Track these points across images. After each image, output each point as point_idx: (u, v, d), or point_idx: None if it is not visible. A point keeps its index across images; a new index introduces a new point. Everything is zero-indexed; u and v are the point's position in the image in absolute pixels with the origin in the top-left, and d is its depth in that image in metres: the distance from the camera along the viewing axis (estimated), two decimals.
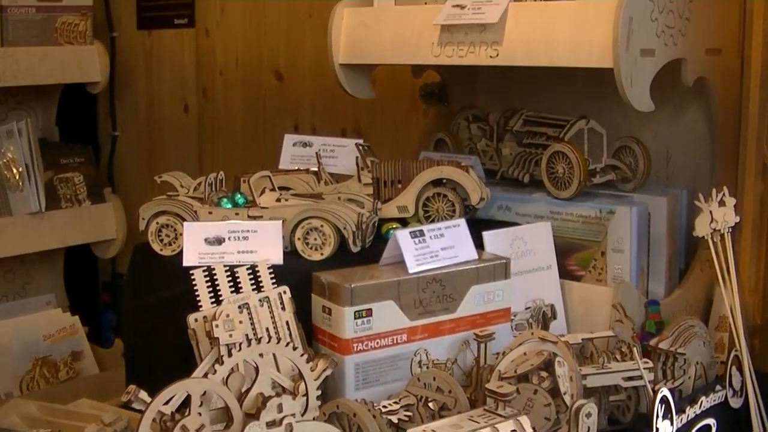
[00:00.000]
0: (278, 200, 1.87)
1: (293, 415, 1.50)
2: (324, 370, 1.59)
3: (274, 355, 1.58)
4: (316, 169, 2.14)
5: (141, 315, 1.91)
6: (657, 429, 1.58)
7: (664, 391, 1.60)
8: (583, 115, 2.14)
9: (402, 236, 1.74)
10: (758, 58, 2.03)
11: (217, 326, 1.54)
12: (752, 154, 2.03)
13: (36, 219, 2.94)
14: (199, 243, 1.76)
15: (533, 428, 1.49)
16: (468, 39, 2.00)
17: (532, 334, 1.71)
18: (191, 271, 1.64)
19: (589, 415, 1.54)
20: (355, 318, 1.65)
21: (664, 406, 1.59)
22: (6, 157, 2.89)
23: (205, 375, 1.52)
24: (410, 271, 1.71)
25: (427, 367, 1.73)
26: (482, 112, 2.40)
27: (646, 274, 2.07)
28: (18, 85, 2.97)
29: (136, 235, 1.92)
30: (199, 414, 1.49)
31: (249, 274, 1.67)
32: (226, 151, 3.17)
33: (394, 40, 2.12)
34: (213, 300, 1.64)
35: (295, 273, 1.74)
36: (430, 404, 1.62)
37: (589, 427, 1.53)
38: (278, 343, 1.58)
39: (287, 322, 1.67)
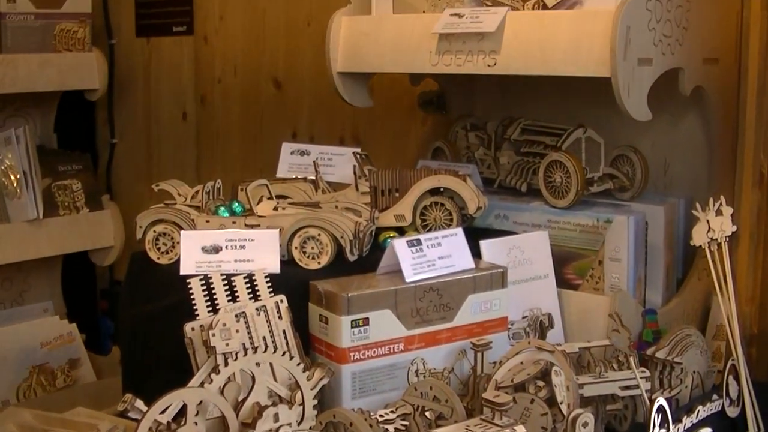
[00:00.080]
0: (275, 209, 1.87)
1: (289, 424, 1.51)
2: (320, 379, 1.59)
3: (270, 364, 1.58)
4: (314, 177, 2.14)
5: (138, 323, 1.91)
6: None
7: (661, 401, 1.60)
8: (580, 124, 2.14)
9: (399, 245, 1.74)
10: (755, 68, 2.04)
11: (213, 335, 1.54)
12: (749, 164, 2.03)
13: (34, 226, 2.93)
14: (196, 252, 1.76)
15: None
16: (466, 48, 2.00)
17: (529, 343, 1.71)
18: (188, 280, 1.64)
19: (585, 424, 1.54)
20: (351, 327, 1.65)
21: (660, 415, 1.59)
22: (4, 164, 2.89)
23: (202, 384, 1.53)
24: (407, 280, 1.71)
25: (424, 377, 1.72)
26: (480, 120, 2.40)
27: (643, 283, 2.07)
28: (16, 92, 2.97)
29: (133, 242, 1.92)
30: (195, 423, 1.50)
31: (246, 282, 1.67)
32: (224, 159, 3.17)
33: (392, 49, 2.12)
34: (210, 309, 1.64)
35: (292, 282, 1.74)
36: (427, 414, 1.62)
37: None
38: (275, 352, 1.59)
39: (284, 331, 1.67)
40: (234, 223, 1.85)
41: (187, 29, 3.22)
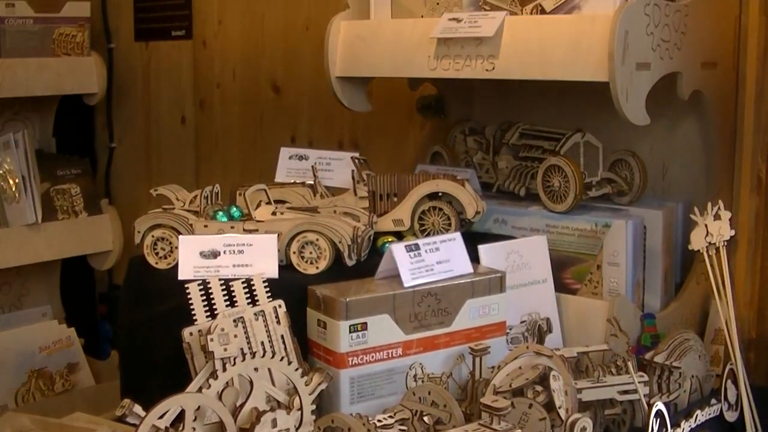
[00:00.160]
0: (274, 213, 1.88)
1: (288, 429, 1.51)
2: (319, 384, 1.59)
3: (269, 369, 1.58)
4: (312, 182, 2.14)
5: (136, 328, 1.90)
6: None
7: (659, 405, 1.60)
8: (579, 128, 2.14)
9: (397, 250, 1.74)
10: (753, 72, 2.04)
11: (211, 340, 1.54)
12: (747, 168, 2.04)
13: (32, 230, 2.94)
14: (194, 256, 1.76)
15: None
16: (464, 52, 2.00)
17: (528, 347, 1.71)
18: (186, 285, 1.64)
19: (584, 429, 1.54)
20: (350, 332, 1.65)
21: (659, 419, 1.59)
22: (2, 168, 2.89)
23: (200, 389, 1.53)
24: (405, 285, 1.71)
25: (423, 381, 1.72)
26: (478, 125, 2.40)
27: (641, 287, 2.07)
28: (15, 96, 2.97)
29: (132, 246, 1.92)
30: (193, 429, 1.50)
31: (244, 287, 1.67)
32: (223, 163, 3.17)
33: (391, 53, 2.12)
34: (208, 314, 1.64)
35: (290, 287, 1.74)
36: (425, 418, 1.62)
37: None
38: (273, 357, 1.59)
39: (282, 336, 1.67)
40: (232, 227, 1.85)
41: (185, 33, 3.22)
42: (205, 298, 1.65)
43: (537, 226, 2.10)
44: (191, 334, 1.62)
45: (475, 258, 1.88)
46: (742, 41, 2.06)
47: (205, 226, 1.86)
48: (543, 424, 1.60)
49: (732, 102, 2.07)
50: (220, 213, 1.88)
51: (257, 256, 1.76)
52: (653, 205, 2.12)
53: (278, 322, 1.67)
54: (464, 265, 1.80)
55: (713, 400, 1.81)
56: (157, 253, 1.88)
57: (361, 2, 2.24)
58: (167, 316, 1.77)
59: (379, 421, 1.58)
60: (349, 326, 1.65)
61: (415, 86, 2.46)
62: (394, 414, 1.62)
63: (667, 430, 1.61)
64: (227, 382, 1.54)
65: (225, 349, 1.55)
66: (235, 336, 1.56)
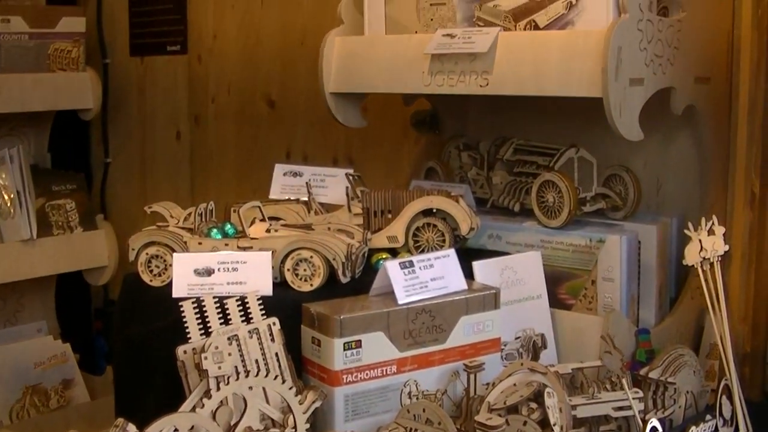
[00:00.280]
0: (268, 231, 1.87)
1: None
2: (313, 402, 1.59)
3: (263, 387, 1.58)
4: (307, 198, 2.14)
5: (131, 345, 1.90)
6: None
7: (654, 422, 1.60)
8: (573, 143, 2.15)
9: (391, 267, 1.74)
10: (746, 87, 2.04)
11: (206, 358, 1.54)
12: (741, 183, 2.04)
13: (27, 246, 2.94)
14: (188, 274, 1.76)
15: None
16: (458, 68, 2.00)
17: (522, 364, 1.71)
18: (180, 303, 1.64)
19: None
20: (344, 349, 1.65)
21: None
22: None
23: (194, 408, 1.52)
24: (399, 302, 1.71)
25: (417, 398, 1.72)
26: (473, 140, 2.40)
27: (636, 302, 2.07)
28: (10, 112, 2.97)
29: (128, 262, 1.92)
30: None
31: (238, 305, 1.67)
32: (218, 178, 3.17)
33: (385, 69, 2.13)
34: (202, 331, 1.64)
35: (284, 304, 1.74)
36: None
37: None
38: (267, 375, 1.59)
39: (276, 354, 1.66)
40: (226, 245, 1.85)
41: (181, 48, 3.23)
42: (199, 315, 1.65)
43: (531, 241, 2.10)
44: (185, 352, 1.62)
45: (469, 274, 1.88)
46: (734, 56, 2.06)
47: (200, 244, 1.85)
48: None
49: (725, 116, 2.08)
50: (215, 230, 1.88)
51: (251, 273, 1.76)
52: (647, 220, 2.12)
53: (272, 340, 1.67)
54: (458, 282, 1.80)
55: (708, 416, 1.80)
56: (151, 271, 1.88)
57: (356, 18, 2.24)
58: (162, 334, 1.77)
59: None
60: (344, 344, 1.65)
61: (410, 102, 2.47)
62: (389, 431, 1.62)
63: None
64: (221, 401, 1.54)
65: (219, 368, 1.55)
66: (230, 354, 1.56)
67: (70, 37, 3.10)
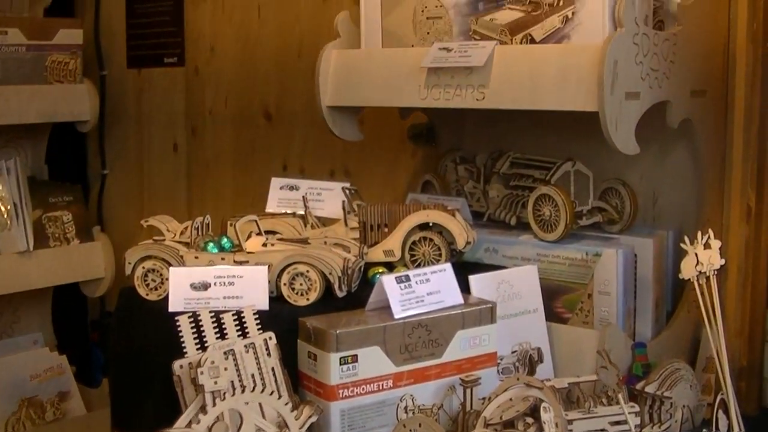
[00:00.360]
0: (264, 245, 1.88)
1: None
2: (309, 417, 1.59)
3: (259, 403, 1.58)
4: (303, 212, 2.14)
5: (127, 359, 1.90)
6: None
7: None
8: (569, 157, 2.15)
9: (388, 282, 1.74)
10: (742, 100, 2.05)
11: (202, 373, 1.54)
12: (737, 197, 2.04)
13: (24, 258, 2.94)
14: (184, 288, 1.76)
15: None
16: (454, 82, 2.00)
17: (518, 379, 1.71)
18: (176, 318, 1.64)
19: None
20: (340, 364, 1.65)
21: None
22: None
23: (189, 423, 1.52)
24: (396, 316, 1.71)
25: (413, 413, 1.72)
26: (469, 153, 2.41)
27: (633, 315, 2.07)
28: (7, 124, 2.97)
29: (124, 273, 1.92)
30: None
31: (234, 319, 1.67)
32: (215, 190, 3.17)
33: (382, 83, 2.13)
34: (198, 346, 1.64)
35: (280, 318, 1.74)
36: None
37: None
38: (263, 390, 1.59)
39: (273, 369, 1.66)
40: (223, 259, 1.85)
41: (178, 60, 3.23)
42: (195, 330, 1.64)
43: (528, 255, 2.10)
44: (181, 366, 1.61)
45: (466, 288, 1.88)
46: (730, 69, 2.07)
47: (196, 258, 1.85)
48: None
49: (721, 130, 2.08)
50: (211, 244, 1.88)
51: (248, 287, 1.76)
52: (644, 234, 2.12)
53: (269, 355, 1.66)
54: (455, 296, 1.80)
55: (705, 431, 1.80)
56: (147, 285, 1.88)
57: (353, 31, 2.25)
58: (158, 348, 1.77)
59: None
60: (340, 358, 1.65)
61: (406, 115, 2.47)
62: None
63: None
64: (217, 417, 1.54)
65: (215, 382, 1.54)
66: (226, 369, 1.56)
67: (67, 49, 3.11)
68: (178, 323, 1.63)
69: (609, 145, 1.82)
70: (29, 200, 2.94)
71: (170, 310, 1.75)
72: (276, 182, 2.25)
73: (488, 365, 1.81)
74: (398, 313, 1.72)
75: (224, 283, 1.76)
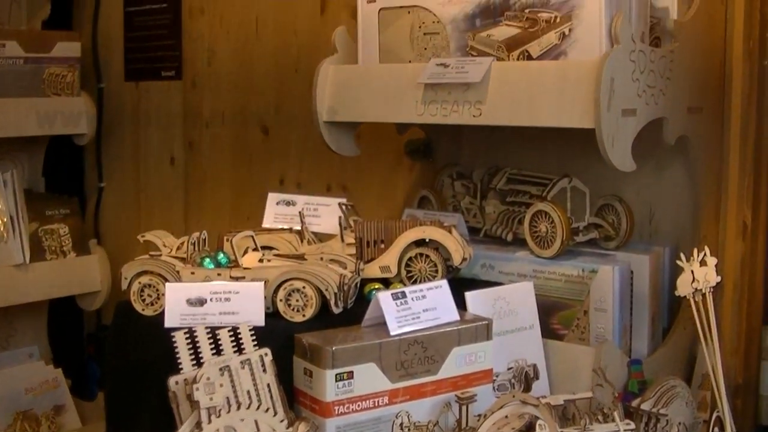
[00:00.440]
0: (261, 261, 1.88)
1: None
2: None
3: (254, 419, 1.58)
4: (300, 228, 2.14)
5: (123, 374, 1.90)
6: None
7: None
8: (565, 173, 2.15)
9: (384, 298, 1.74)
10: (738, 118, 2.05)
11: (197, 389, 1.54)
12: (733, 214, 2.04)
13: (20, 271, 2.93)
14: (181, 304, 1.76)
15: None
16: (451, 98, 2.00)
17: (514, 396, 1.71)
18: (172, 333, 1.64)
19: None
20: (336, 381, 1.65)
21: None
22: None
23: None
24: (392, 333, 1.71)
25: (409, 430, 1.72)
26: (466, 169, 2.41)
27: (629, 332, 2.07)
28: (4, 137, 2.97)
29: (120, 287, 1.92)
30: None
31: (230, 335, 1.67)
32: (212, 204, 3.17)
33: (379, 99, 2.13)
34: (194, 362, 1.63)
35: (276, 334, 1.74)
36: None
37: None
38: (258, 407, 1.58)
39: (268, 385, 1.66)
40: (219, 275, 1.85)
41: (175, 74, 3.23)
42: (191, 346, 1.64)
43: (524, 271, 2.10)
44: (177, 382, 1.61)
45: (462, 304, 1.88)
46: (726, 86, 2.07)
47: (192, 273, 1.85)
48: None
49: (718, 147, 2.08)
50: (207, 260, 1.88)
51: (244, 303, 1.76)
52: (640, 250, 2.13)
53: (264, 371, 1.66)
54: (451, 313, 1.80)
55: None
56: (143, 300, 1.87)
57: (350, 46, 2.25)
58: (154, 363, 1.77)
59: None
60: (335, 375, 1.65)
61: (403, 130, 2.47)
62: None
63: None
64: None
65: (211, 399, 1.54)
66: (221, 385, 1.56)
67: (65, 62, 3.11)
68: (174, 339, 1.63)
69: (605, 162, 1.82)
70: (26, 213, 2.94)
71: (166, 325, 1.75)
72: (273, 197, 2.25)
73: (484, 382, 1.81)
74: (394, 329, 1.72)
75: (220, 298, 1.76)
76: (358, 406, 1.67)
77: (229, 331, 1.67)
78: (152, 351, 1.80)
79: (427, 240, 2.00)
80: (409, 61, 2.14)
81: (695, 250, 1.89)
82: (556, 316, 2.06)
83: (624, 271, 2.03)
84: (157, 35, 3.26)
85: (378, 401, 1.69)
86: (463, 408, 1.72)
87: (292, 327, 1.78)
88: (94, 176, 3.49)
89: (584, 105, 1.81)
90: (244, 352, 1.67)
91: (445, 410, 1.76)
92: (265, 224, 2.22)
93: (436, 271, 1.99)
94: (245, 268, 1.85)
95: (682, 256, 1.89)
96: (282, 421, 1.57)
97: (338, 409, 1.65)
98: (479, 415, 1.71)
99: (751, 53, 2.04)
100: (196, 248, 1.91)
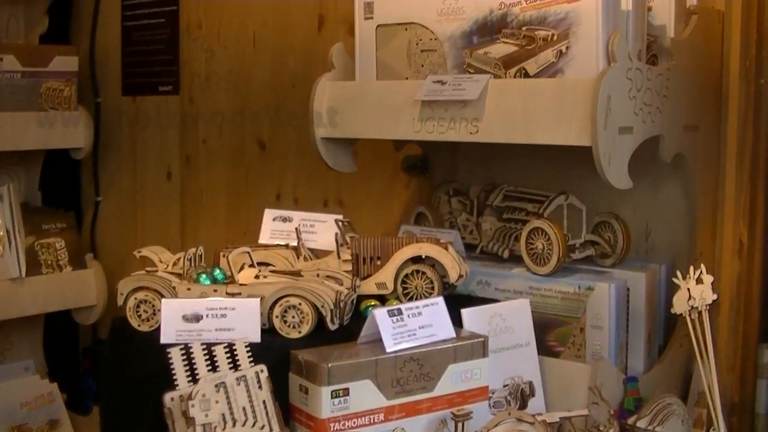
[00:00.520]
0: (257, 277, 1.87)
1: None
2: None
3: None
4: (296, 244, 2.14)
5: (119, 390, 1.90)
6: None
7: None
8: (562, 190, 2.15)
9: (380, 315, 1.74)
10: (734, 136, 2.06)
11: (193, 406, 1.54)
12: (729, 232, 2.04)
13: (16, 285, 2.93)
14: (176, 320, 1.76)
15: None
16: (448, 115, 2.01)
17: (509, 414, 1.71)
18: (168, 350, 1.64)
19: None
20: (332, 397, 1.65)
21: None
22: None
23: None
24: (388, 350, 1.71)
25: None
26: (463, 186, 2.41)
27: (625, 349, 2.07)
28: (1, 151, 2.97)
29: (116, 302, 1.92)
30: None
31: (226, 352, 1.67)
32: (208, 219, 3.17)
33: (375, 115, 2.13)
34: (190, 378, 1.63)
35: (272, 351, 1.74)
36: None
37: None
38: (254, 424, 1.58)
39: (264, 402, 1.66)
40: (215, 291, 1.84)
41: (173, 89, 3.23)
42: (186, 362, 1.64)
43: (520, 288, 2.10)
44: (172, 399, 1.61)
45: (458, 321, 1.88)
46: (723, 104, 2.08)
47: (188, 289, 1.85)
48: None
49: (714, 165, 2.09)
50: (204, 276, 1.88)
51: (240, 320, 1.76)
52: (636, 267, 2.13)
53: (260, 387, 1.66)
54: (447, 330, 1.80)
55: None
56: (139, 316, 1.87)
57: (347, 63, 2.25)
58: (149, 379, 1.76)
59: None
60: (331, 392, 1.65)
61: (400, 146, 2.47)
62: None
63: None
64: None
65: (206, 415, 1.54)
66: (217, 402, 1.56)
67: (62, 76, 3.12)
68: (169, 355, 1.63)
69: (602, 179, 1.82)
70: (22, 226, 2.94)
71: (162, 341, 1.75)
72: (269, 213, 2.25)
73: (480, 399, 1.80)
74: (390, 346, 1.72)
75: (216, 315, 1.76)
76: (354, 423, 1.67)
77: (224, 347, 1.67)
78: (148, 367, 1.80)
79: (423, 257, 2.00)
80: (407, 78, 2.14)
81: (691, 268, 1.89)
82: (552, 333, 2.06)
83: (620, 289, 2.03)
84: (154, 50, 3.26)
85: (374, 418, 1.69)
86: (459, 425, 1.72)
87: (288, 343, 1.78)
88: (91, 190, 3.49)
89: (581, 123, 1.82)
90: (239, 368, 1.67)
91: (441, 427, 1.76)
92: (262, 240, 2.22)
93: (433, 288, 1.99)
94: (241, 285, 1.85)
95: (679, 273, 1.89)
96: None
97: (334, 426, 1.65)
98: None
99: (748, 72, 2.05)
100: (193, 264, 1.91)
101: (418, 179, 2.59)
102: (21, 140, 2.98)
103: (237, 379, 1.64)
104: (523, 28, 1.95)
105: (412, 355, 1.73)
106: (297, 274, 1.91)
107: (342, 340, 1.79)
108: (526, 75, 1.97)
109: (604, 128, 1.79)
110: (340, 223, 2.14)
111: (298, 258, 2.11)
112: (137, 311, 1.87)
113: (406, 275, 2.00)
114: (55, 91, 3.11)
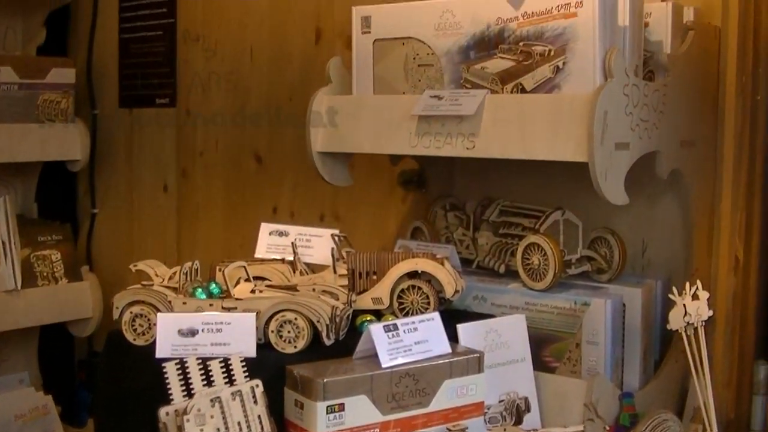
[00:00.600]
0: (253, 291, 1.87)
1: None
2: None
3: None
4: (292, 258, 2.14)
5: (114, 403, 1.89)
6: None
7: None
8: (558, 206, 2.15)
9: (375, 330, 1.73)
10: (731, 152, 2.06)
11: (188, 421, 1.54)
12: (725, 249, 2.05)
13: (11, 297, 2.93)
14: (172, 334, 1.75)
15: None
16: (445, 130, 2.01)
17: (505, 429, 1.71)
18: (163, 364, 1.63)
19: None
20: (327, 413, 1.64)
21: None
22: None
23: None
24: (383, 365, 1.71)
25: None
26: (459, 200, 2.41)
27: (620, 365, 2.07)
28: None
29: (112, 314, 1.91)
30: None
31: (222, 366, 1.67)
32: (205, 232, 3.17)
33: (372, 129, 2.13)
34: (185, 393, 1.63)
35: (268, 366, 1.74)
36: None
37: None
38: None
39: (259, 417, 1.66)
40: (211, 305, 1.84)
41: (170, 101, 3.23)
42: (182, 376, 1.64)
43: (516, 303, 2.10)
44: (167, 413, 1.61)
45: (453, 336, 1.88)
46: (719, 120, 2.08)
47: (184, 303, 1.85)
48: None
49: (710, 181, 2.09)
50: (199, 290, 1.87)
51: (235, 334, 1.76)
52: (632, 283, 2.13)
53: (255, 402, 1.66)
54: (442, 346, 1.80)
55: None
56: (135, 330, 1.87)
57: (344, 77, 2.25)
58: (144, 393, 1.76)
59: None
60: (326, 407, 1.64)
61: (397, 161, 2.47)
62: None
63: None
64: None
65: (201, 430, 1.54)
66: (212, 416, 1.56)
67: (59, 88, 3.12)
68: (164, 369, 1.63)
69: (598, 195, 1.83)
70: (18, 238, 2.94)
71: (157, 356, 1.74)
72: (265, 228, 2.25)
73: (475, 415, 1.80)
74: (386, 362, 1.71)
75: (212, 329, 1.76)
76: None
77: (220, 362, 1.67)
78: (143, 381, 1.80)
79: (419, 272, 2.00)
80: (404, 93, 2.14)
81: (687, 284, 1.89)
82: (547, 349, 2.06)
83: (616, 304, 2.03)
84: (151, 62, 3.27)
85: None
86: None
87: (283, 358, 1.78)
88: (87, 202, 3.49)
89: (578, 138, 1.82)
90: (235, 383, 1.66)
91: None
92: (258, 254, 2.22)
93: (429, 303, 1.98)
94: (237, 299, 1.85)
95: (675, 290, 1.89)
96: None
97: None
98: None
99: (744, 88, 2.06)
100: (189, 278, 1.91)
101: (414, 194, 2.59)
102: (17, 152, 2.98)
103: (232, 394, 1.64)
104: (520, 44, 1.96)
105: (407, 370, 1.73)
106: (293, 288, 1.91)
107: (338, 355, 1.78)
108: (523, 90, 1.97)
109: (600, 144, 1.79)
110: (336, 238, 2.14)
111: (294, 272, 2.11)
112: (133, 325, 1.87)
113: (402, 290, 2.00)
114: (52, 103, 3.11)
